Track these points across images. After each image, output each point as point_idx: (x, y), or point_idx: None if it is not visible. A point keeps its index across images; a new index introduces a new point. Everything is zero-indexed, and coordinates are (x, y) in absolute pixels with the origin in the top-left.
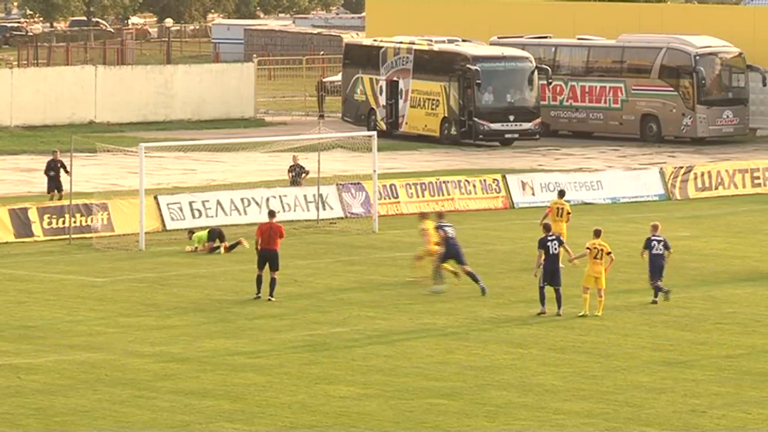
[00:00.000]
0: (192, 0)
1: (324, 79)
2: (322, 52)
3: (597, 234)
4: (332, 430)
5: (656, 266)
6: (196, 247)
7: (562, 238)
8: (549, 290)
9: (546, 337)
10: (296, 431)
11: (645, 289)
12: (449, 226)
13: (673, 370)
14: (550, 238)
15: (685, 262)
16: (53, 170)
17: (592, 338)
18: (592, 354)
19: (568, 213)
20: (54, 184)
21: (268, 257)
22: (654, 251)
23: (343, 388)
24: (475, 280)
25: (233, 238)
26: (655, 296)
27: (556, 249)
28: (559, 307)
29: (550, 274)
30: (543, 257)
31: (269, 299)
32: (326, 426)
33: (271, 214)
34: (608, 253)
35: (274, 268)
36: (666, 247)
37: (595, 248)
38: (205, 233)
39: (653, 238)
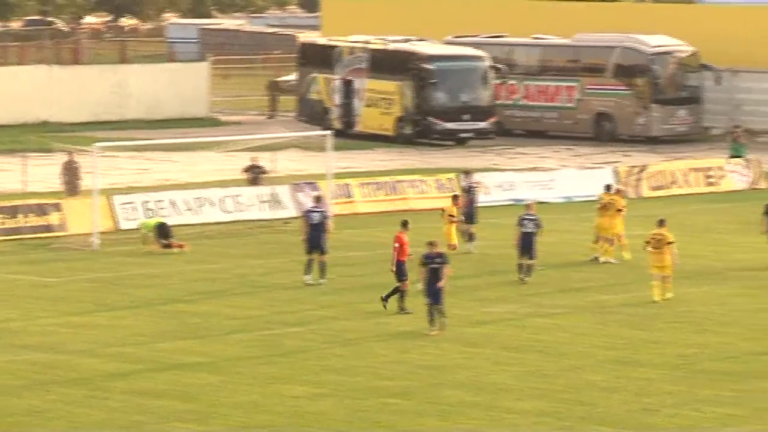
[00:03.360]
0: None
1: (279, 79)
2: (277, 52)
3: (660, 224)
4: (285, 429)
5: (526, 244)
6: (145, 234)
7: (446, 258)
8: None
9: (499, 337)
10: (249, 431)
11: (599, 288)
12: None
13: (626, 368)
14: (431, 256)
15: (639, 261)
16: (71, 173)
17: (545, 337)
18: (545, 353)
19: (619, 210)
20: (72, 188)
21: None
22: (525, 229)
23: (297, 387)
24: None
25: (188, 238)
26: (521, 273)
27: (436, 266)
28: (433, 322)
29: (432, 292)
30: (425, 274)
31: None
32: (280, 426)
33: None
34: (668, 243)
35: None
36: (537, 225)
37: (654, 238)
38: (152, 222)
39: (526, 216)
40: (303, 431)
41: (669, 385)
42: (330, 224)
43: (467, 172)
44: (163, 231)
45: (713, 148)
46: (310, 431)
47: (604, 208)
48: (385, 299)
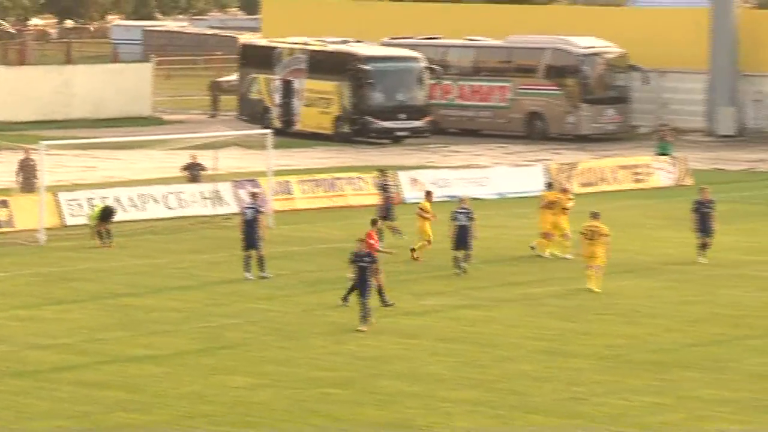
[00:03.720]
0: (91, 1)
1: (220, 79)
2: (218, 53)
3: (594, 216)
4: (227, 419)
5: (461, 237)
6: (93, 228)
7: (374, 257)
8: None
9: (434, 328)
10: (192, 420)
11: (531, 281)
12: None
13: (556, 359)
14: (360, 254)
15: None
16: (27, 171)
17: (478, 329)
18: (479, 344)
19: (565, 209)
20: (27, 185)
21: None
22: (459, 222)
23: (238, 378)
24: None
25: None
26: (457, 267)
27: (364, 264)
28: (363, 319)
29: (359, 287)
30: (354, 272)
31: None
32: (222, 415)
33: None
34: (603, 235)
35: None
36: (470, 218)
37: (589, 230)
38: (98, 210)
39: (459, 210)
40: (244, 420)
41: (598, 375)
42: (263, 220)
43: (383, 171)
44: (106, 213)
45: (641, 146)
46: (252, 420)
47: (549, 205)
48: (384, 302)
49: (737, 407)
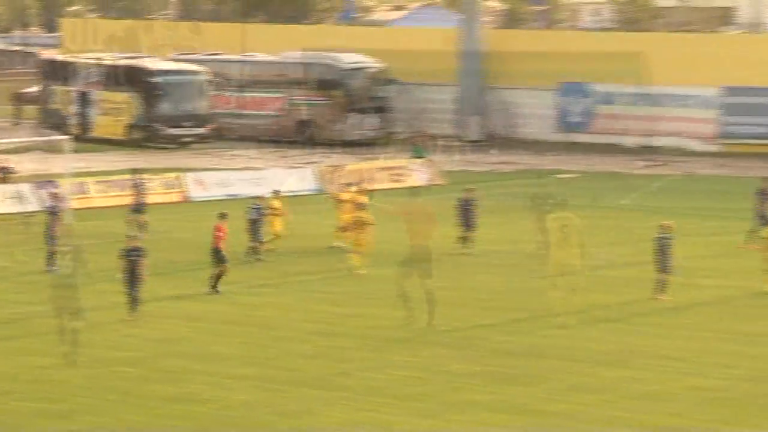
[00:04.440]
0: None
1: (23, 90)
2: (21, 67)
3: (360, 207)
4: (30, 395)
5: (251, 229)
6: None
7: (143, 252)
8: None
9: (218, 313)
10: None
11: (304, 271)
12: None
13: (326, 339)
14: (129, 249)
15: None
16: None
17: (259, 313)
18: (258, 326)
19: (360, 204)
20: None
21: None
22: (249, 216)
23: (40, 359)
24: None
25: None
26: (248, 254)
27: (133, 258)
28: (134, 306)
29: (130, 282)
30: (124, 266)
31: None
32: (23, 392)
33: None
34: (368, 224)
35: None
36: (261, 213)
37: (357, 220)
38: None
39: (251, 206)
40: (47, 397)
41: (362, 353)
42: (61, 218)
43: (136, 171)
44: None
45: (398, 150)
46: (52, 396)
47: (347, 202)
48: (214, 287)
49: (485, 379)
